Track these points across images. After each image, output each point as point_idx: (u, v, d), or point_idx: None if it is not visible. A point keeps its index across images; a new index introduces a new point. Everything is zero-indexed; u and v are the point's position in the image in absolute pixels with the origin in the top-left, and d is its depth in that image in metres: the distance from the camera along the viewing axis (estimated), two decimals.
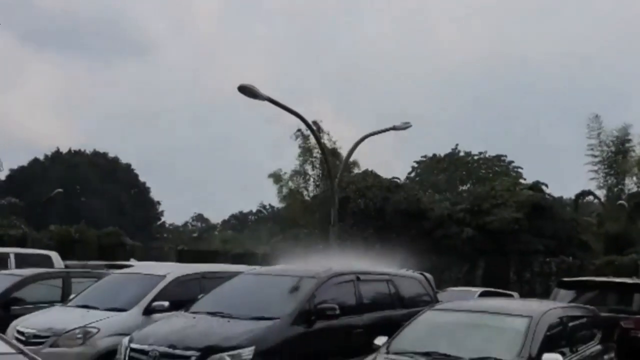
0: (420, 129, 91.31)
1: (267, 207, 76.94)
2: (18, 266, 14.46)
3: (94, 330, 9.52)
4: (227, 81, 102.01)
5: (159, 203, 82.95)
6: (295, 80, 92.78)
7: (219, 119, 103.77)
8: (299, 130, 37.73)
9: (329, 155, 36.82)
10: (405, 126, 17.76)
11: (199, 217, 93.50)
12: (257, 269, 11.09)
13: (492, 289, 20.73)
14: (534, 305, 8.34)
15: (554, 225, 30.65)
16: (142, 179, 79.58)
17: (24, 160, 74.65)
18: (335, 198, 18.21)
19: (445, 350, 7.38)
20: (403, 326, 8.22)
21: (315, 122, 36.80)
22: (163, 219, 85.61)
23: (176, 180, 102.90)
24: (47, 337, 9.54)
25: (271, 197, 46.84)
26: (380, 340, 7.98)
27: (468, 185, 50.60)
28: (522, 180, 40.33)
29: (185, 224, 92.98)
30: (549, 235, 30.26)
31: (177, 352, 7.90)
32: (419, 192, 33.99)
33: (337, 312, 8.82)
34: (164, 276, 10.72)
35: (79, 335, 9.46)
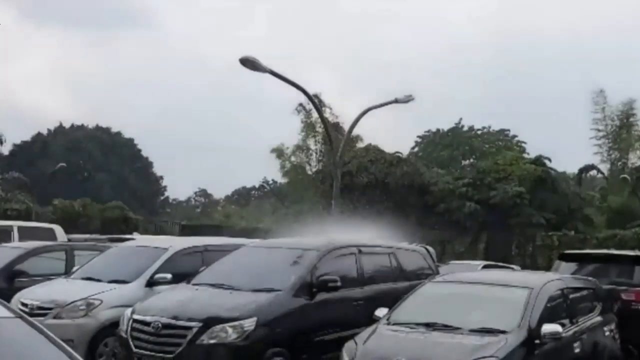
0: (425, 104, 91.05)
1: (270, 182, 77.03)
2: (21, 239, 14.54)
3: (97, 302, 9.59)
4: (231, 53, 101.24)
5: (161, 178, 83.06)
6: (300, 54, 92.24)
7: (222, 92, 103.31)
8: (300, 104, 37.67)
9: (332, 130, 36.98)
10: (407, 99, 17.66)
11: (203, 193, 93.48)
12: (258, 241, 11.12)
13: (494, 263, 20.79)
14: (534, 277, 8.38)
15: (557, 199, 30.65)
16: (144, 153, 79.49)
17: (27, 135, 74.54)
18: (338, 172, 18.20)
19: (445, 321, 7.43)
20: (403, 298, 8.26)
21: (316, 96, 36.71)
22: (166, 193, 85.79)
23: (179, 155, 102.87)
24: (50, 308, 9.61)
25: (275, 173, 46.81)
26: (381, 312, 8.02)
27: (471, 160, 50.59)
28: (525, 155, 40.33)
29: (189, 199, 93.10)
30: (552, 209, 30.28)
31: (180, 322, 7.97)
32: (421, 167, 33.94)
33: (339, 284, 8.87)
34: (167, 249, 10.77)
35: (82, 307, 9.53)
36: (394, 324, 7.66)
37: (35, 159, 67.60)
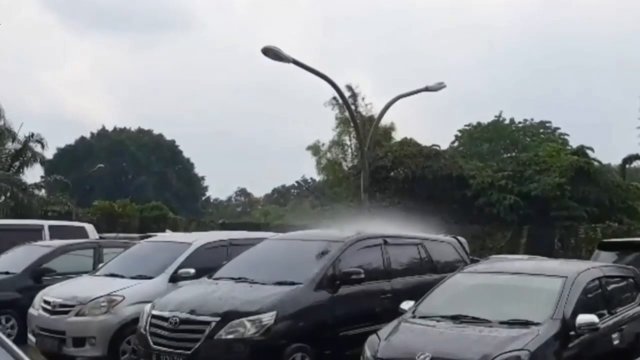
0: (465, 97, 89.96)
1: (309, 180, 76.92)
2: (52, 238, 14.48)
3: (119, 299, 9.42)
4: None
5: (203, 178, 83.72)
6: (335, 51, 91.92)
7: (263, 92, 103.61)
8: (333, 98, 37.07)
9: (365, 123, 36.53)
10: (439, 87, 17.17)
11: (243, 192, 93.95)
12: (282, 234, 10.84)
13: (539, 257, 20.10)
14: (570, 266, 7.92)
15: (599, 190, 29.74)
16: (186, 155, 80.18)
17: (71, 139, 75.85)
18: (366, 163, 17.83)
19: (474, 313, 7.04)
20: (431, 290, 7.89)
21: (349, 87, 36.33)
22: (208, 194, 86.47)
23: (220, 155, 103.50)
24: (72, 306, 9.48)
25: (312, 170, 46.47)
26: (406, 305, 7.66)
27: (512, 154, 49.53)
28: (567, 146, 39.27)
29: (229, 199, 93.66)
30: (594, 201, 29.38)
31: (197, 317, 7.72)
32: (460, 160, 33.28)
33: (362, 276, 8.52)
34: (190, 244, 10.55)
35: (104, 304, 9.37)
36: (419, 317, 7.29)
37: (79, 162, 68.60)
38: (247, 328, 7.52)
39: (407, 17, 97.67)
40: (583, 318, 6.71)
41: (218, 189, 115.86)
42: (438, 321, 7.08)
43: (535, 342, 6.37)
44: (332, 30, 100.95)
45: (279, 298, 7.88)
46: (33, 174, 40.53)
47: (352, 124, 36.65)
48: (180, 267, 9.99)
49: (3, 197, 35.04)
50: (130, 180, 77.00)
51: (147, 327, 8.08)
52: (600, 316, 7.08)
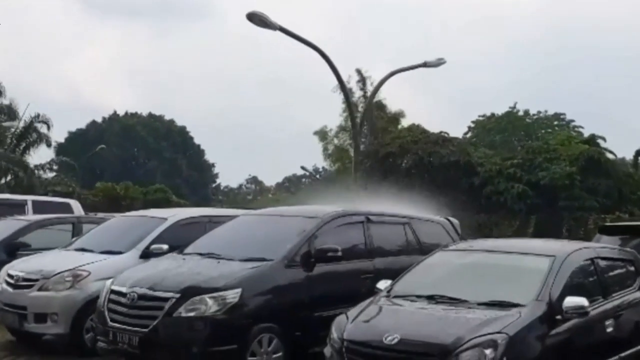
0: (478, 87, 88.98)
1: (321, 169, 76.34)
2: (36, 213, 14.01)
3: (84, 274, 8.90)
4: (282, 43, 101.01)
5: (213, 165, 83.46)
6: (356, 40, 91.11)
7: (276, 81, 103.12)
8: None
9: (374, 109, 35.83)
10: (438, 63, 16.50)
11: (254, 180, 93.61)
12: (259, 210, 10.26)
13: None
14: (559, 245, 7.29)
15: (610, 181, 28.88)
16: (197, 141, 79.88)
17: (83, 123, 75.90)
18: (357, 139, 17.26)
19: (452, 293, 6.46)
20: (409, 268, 7.30)
21: (359, 71, 35.63)
22: (218, 181, 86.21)
23: (231, 143, 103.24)
24: (36, 280, 8.98)
25: (321, 157, 45.83)
26: (383, 284, 7.09)
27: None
28: (579, 133, 38.37)
29: (240, 186, 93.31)
30: (605, 191, 28.53)
31: (156, 293, 7.18)
32: (468, 147, 32.50)
33: (339, 253, 7.93)
34: (166, 219, 10.01)
35: (68, 279, 8.85)
36: (394, 297, 6.72)
37: (89, 146, 68.41)
38: (209, 305, 6.96)
39: (425, 10, 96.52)
40: (571, 301, 6.11)
41: (229, 176, 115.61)
42: (413, 301, 6.51)
43: (515, 325, 5.77)
44: (354, 20, 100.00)
45: (246, 274, 7.32)
46: (43, 156, 40.41)
47: (359, 110, 36.12)
48: (153, 242, 9.44)
49: (6, 178, 34.85)
50: (141, 164, 76.88)
51: (105, 303, 7.56)
52: (592, 301, 6.48)
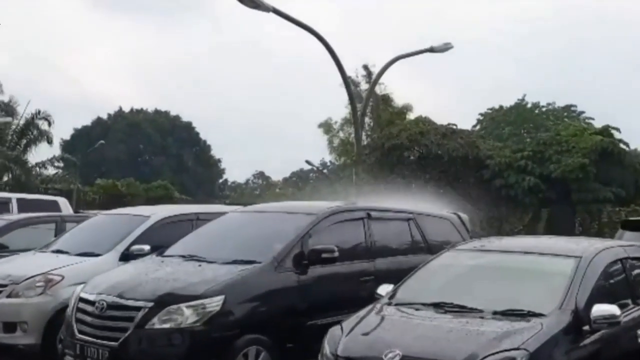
0: (487, 78, 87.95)
1: (329, 163, 75.57)
2: (21, 212, 13.23)
3: (57, 278, 8.10)
4: (289, 38, 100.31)
5: (220, 161, 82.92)
6: (359, 33, 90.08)
7: (283, 76, 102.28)
8: (348, 77, 35.60)
9: (379, 102, 34.98)
10: (445, 47, 15.62)
11: (261, 175, 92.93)
12: (249, 207, 9.42)
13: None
14: (585, 244, 6.40)
15: (625, 172, 27.91)
16: (202, 137, 79.32)
17: (89, 120, 75.46)
18: (359, 130, 16.44)
19: (462, 300, 5.62)
20: (414, 271, 6.46)
21: (366, 67, 34.82)
22: (225, 176, 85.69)
23: (237, 138, 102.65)
24: (5, 285, 8.18)
25: (325, 151, 44.91)
26: (384, 289, 6.25)
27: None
28: (591, 123, 37.33)
29: (247, 181, 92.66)
30: (619, 183, 27.56)
31: (126, 302, 6.35)
32: (477, 139, 31.55)
33: (336, 254, 7.08)
34: (148, 217, 9.20)
35: (39, 284, 8.05)
36: (396, 305, 5.88)
37: (95, 143, 67.90)
38: (186, 315, 6.14)
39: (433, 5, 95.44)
40: (600, 309, 5.25)
41: (236, 171, 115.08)
42: (417, 309, 5.67)
43: (536, 340, 4.92)
44: (363, 12, 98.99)
45: (229, 280, 6.49)
46: (47, 153, 39.72)
47: (367, 106, 35.20)
48: (134, 243, 8.64)
49: (8, 176, 34.20)
50: (147, 161, 76.43)
51: (74, 313, 6.75)
52: (622, 307, 5.60)
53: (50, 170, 40.45)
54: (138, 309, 6.22)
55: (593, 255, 5.90)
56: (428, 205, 10.50)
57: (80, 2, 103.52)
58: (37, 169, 38.13)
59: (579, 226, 27.21)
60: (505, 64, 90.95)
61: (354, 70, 35.28)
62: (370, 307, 5.92)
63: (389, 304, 5.93)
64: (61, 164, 43.59)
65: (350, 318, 5.76)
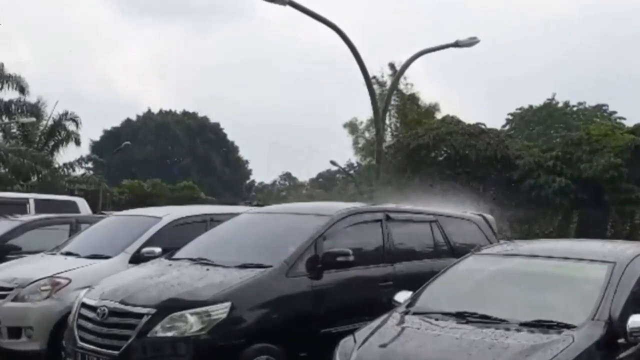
0: (517, 79, 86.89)
1: (355, 164, 75.20)
2: (38, 212, 13.03)
3: (64, 282, 7.81)
4: (318, 41, 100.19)
5: (247, 162, 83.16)
6: (385, 31, 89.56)
7: (310, 78, 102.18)
8: (373, 77, 35.11)
9: (406, 102, 34.47)
10: (471, 42, 15.12)
11: (287, 176, 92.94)
12: (263, 208, 9.04)
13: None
14: (620, 248, 5.93)
15: None
16: (230, 138, 79.63)
17: (119, 122, 76.20)
18: (381, 130, 16.03)
19: (486, 310, 5.18)
20: (434, 277, 6.04)
21: (392, 65, 34.30)
22: (252, 177, 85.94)
23: (265, 139, 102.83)
24: (10, 289, 7.91)
25: (350, 151, 44.39)
26: (402, 296, 5.84)
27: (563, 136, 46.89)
28: (623, 123, 36.42)
29: (274, 182, 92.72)
30: None
31: (128, 308, 6.01)
32: (506, 139, 30.84)
33: (351, 258, 6.67)
34: (160, 218, 8.87)
35: (45, 287, 7.77)
36: (414, 314, 5.46)
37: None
38: (190, 323, 5.78)
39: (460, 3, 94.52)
40: (637, 320, 4.78)
41: (263, 172, 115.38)
42: (437, 320, 5.24)
43: (567, 354, 4.49)
44: (390, 20, 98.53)
45: (237, 285, 6.13)
46: (76, 155, 39.83)
47: (392, 103, 34.72)
48: (145, 245, 8.32)
49: (37, 177, 34.29)
50: (175, 162, 76.93)
51: (75, 319, 6.43)
52: None
53: (78, 171, 40.63)
54: (140, 315, 5.89)
55: (628, 260, 5.44)
56: (452, 206, 10.05)
57: (109, 4, 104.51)
58: (65, 169, 38.27)
59: (611, 228, 26.38)
60: (532, 62, 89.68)
61: (379, 69, 34.86)
62: (386, 315, 5.51)
63: (407, 312, 5.51)
64: (90, 165, 43.83)
65: (364, 328, 5.36)
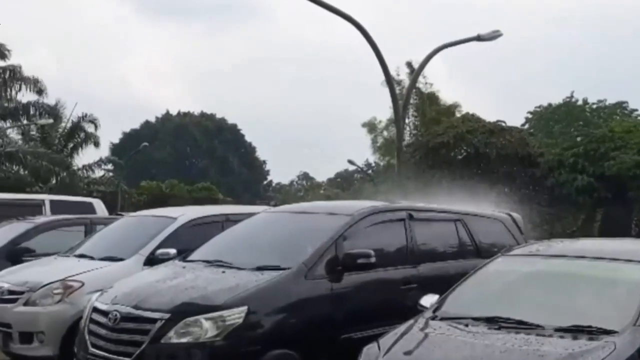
0: (534, 77, 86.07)
1: (373, 164, 74.83)
2: (54, 214, 12.84)
3: (77, 285, 7.57)
4: (332, 40, 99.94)
5: (265, 162, 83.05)
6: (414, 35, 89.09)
7: (328, 79, 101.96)
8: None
9: (425, 100, 34.09)
10: (494, 35, 14.70)
11: (305, 176, 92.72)
12: (281, 207, 8.76)
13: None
14: None
15: None
16: (248, 139, 79.56)
17: (137, 124, 76.39)
18: (400, 128, 15.70)
19: (519, 315, 4.86)
20: (462, 280, 5.72)
21: (409, 64, 33.98)
22: (270, 177, 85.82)
23: (282, 139, 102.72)
24: (22, 292, 7.68)
25: (369, 150, 44.13)
26: (428, 300, 5.54)
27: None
28: None
29: (292, 183, 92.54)
30: None
31: (140, 313, 5.75)
32: (527, 136, 30.42)
33: (373, 259, 6.37)
34: (175, 219, 8.62)
35: (57, 291, 7.53)
36: (441, 319, 5.14)
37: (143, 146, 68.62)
38: (205, 329, 5.51)
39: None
40: None
41: (280, 173, 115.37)
42: (467, 325, 4.92)
43: None
44: (408, 19, 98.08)
45: (254, 288, 5.84)
46: (95, 156, 39.84)
47: (410, 102, 34.35)
48: (159, 246, 8.07)
49: (56, 179, 34.29)
50: (193, 163, 77.04)
51: (87, 324, 6.18)
52: None
53: (97, 173, 40.66)
54: (154, 320, 5.62)
55: None
56: (477, 204, 9.71)
57: (126, 5, 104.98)
58: (84, 171, 38.27)
59: (635, 226, 25.88)
60: (552, 60, 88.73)
61: (395, 68, 34.56)
62: (412, 321, 5.20)
63: (434, 317, 5.20)
64: (110, 167, 43.84)
65: (389, 334, 5.05)
